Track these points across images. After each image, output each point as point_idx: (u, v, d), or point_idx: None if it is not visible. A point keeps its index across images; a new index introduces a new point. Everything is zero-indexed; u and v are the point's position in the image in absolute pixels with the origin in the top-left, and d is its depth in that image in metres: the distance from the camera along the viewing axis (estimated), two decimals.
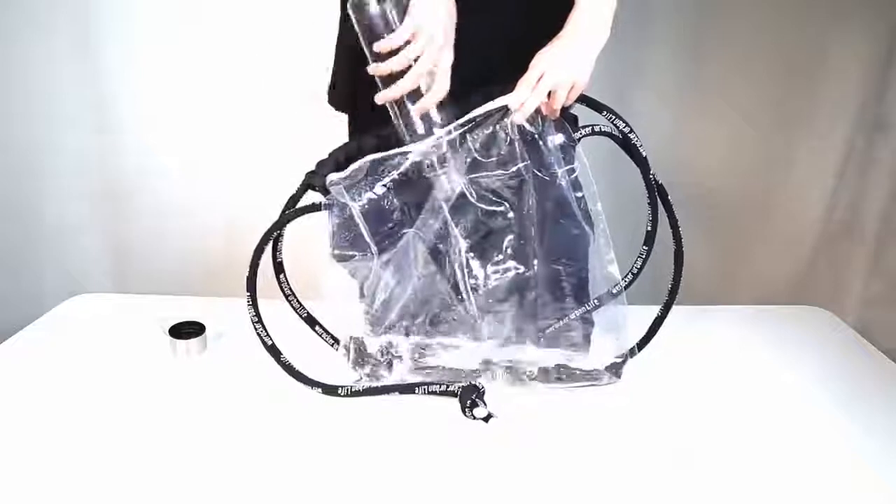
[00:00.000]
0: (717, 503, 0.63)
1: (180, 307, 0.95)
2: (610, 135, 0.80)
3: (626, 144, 0.80)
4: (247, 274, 0.79)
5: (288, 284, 0.84)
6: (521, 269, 0.78)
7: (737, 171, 1.37)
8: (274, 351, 0.81)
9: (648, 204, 0.81)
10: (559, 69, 0.74)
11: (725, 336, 0.95)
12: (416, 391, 0.79)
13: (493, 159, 0.75)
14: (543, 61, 0.75)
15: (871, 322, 1.14)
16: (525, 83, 0.74)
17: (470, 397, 0.76)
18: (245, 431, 0.73)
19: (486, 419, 0.74)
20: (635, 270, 0.82)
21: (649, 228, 0.82)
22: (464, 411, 0.75)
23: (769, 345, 0.92)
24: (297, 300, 0.85)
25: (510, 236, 0.77)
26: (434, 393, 0.78)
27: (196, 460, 0.68)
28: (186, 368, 0.86)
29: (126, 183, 1.41)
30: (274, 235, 0.80)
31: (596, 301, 0.82)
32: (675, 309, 1.01)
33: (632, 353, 0.83)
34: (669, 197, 0.81)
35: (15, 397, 0.79)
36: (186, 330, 0.89)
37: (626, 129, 0.78)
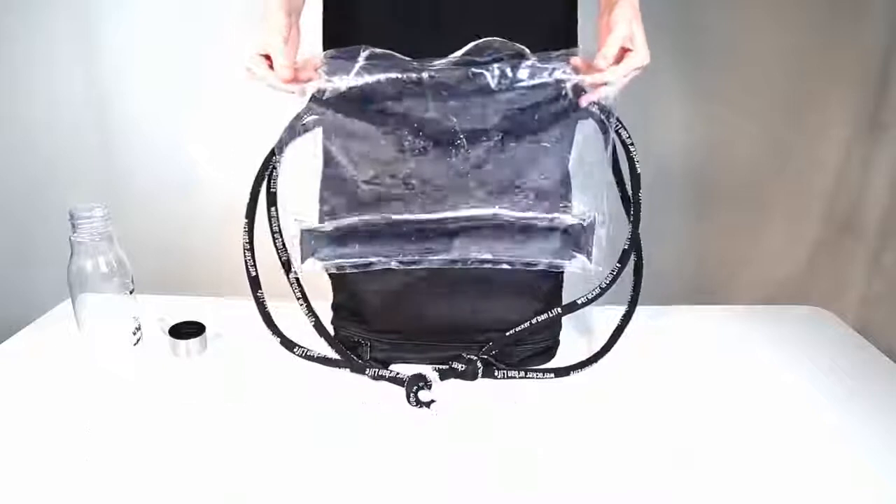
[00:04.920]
0: (716, 503, 0.63)
1: (180, 307, 0.96)
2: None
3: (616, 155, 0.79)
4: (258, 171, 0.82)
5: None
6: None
7: (736, 171, 1.36)
8: (254, 283, 0.82)
9: (630, 222, 0.81)
10: (642, 45, 0.65)
11: (725, 336, 0.95)
12: (366, 373, 0.81)
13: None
14: (626, 24, 0.65)
15: (871, 322, 1.13)
16: (605, 55, 0.65)
17: (417, 384, 0.78)
18: (244, 432, 0.72)
19: (429, 405, 0.76)
20: (603, 286, 0.82)
21: (626, 247, 0.82)
22: (408, 398, 0.77)
23: (769, 345, 0.92)
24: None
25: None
26: (382, 378, 0.80)
27: (196, 460, 0.68)
28: (186, 368, 0.86)
29: (126, 184, 1.42)
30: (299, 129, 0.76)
31: (559, 310, 0.82)
32: (674, 308, 1.01)
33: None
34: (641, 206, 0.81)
35: (14, 397, 0.79)
36: (186, 330, 0.89)
37: (629, 141, 0.77)
